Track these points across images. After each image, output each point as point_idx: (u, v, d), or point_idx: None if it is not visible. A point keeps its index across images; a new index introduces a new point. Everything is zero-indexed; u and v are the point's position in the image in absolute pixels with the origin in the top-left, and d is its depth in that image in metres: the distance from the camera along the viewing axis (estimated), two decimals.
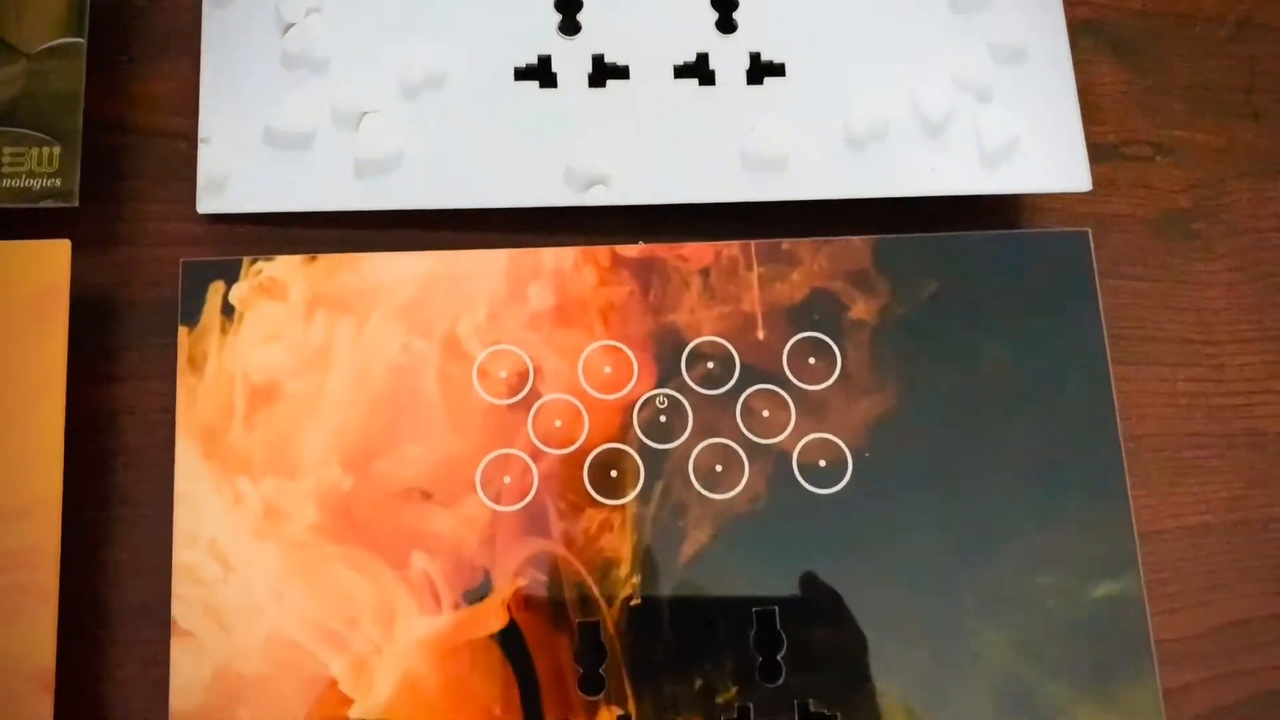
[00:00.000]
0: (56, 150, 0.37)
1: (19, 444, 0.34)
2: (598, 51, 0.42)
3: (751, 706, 0.36)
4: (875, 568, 0.38)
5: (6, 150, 0.36)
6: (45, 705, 0.33)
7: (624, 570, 0.37)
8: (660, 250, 0.40)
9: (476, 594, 0.36)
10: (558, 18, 0.42)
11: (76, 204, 0.37)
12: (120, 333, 0.38)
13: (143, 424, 0.38)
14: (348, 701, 0.35)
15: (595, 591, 0.37)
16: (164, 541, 0.36)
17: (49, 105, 0.37)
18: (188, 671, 0.35)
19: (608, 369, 0.39)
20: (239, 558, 0.36)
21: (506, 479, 0.38)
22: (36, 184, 0.36)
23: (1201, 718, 0.41)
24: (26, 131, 0.37)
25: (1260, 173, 0.46)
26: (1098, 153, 0.45)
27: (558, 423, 0.38)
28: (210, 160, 0.39)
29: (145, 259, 0.39)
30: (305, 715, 0.35)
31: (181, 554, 0.36)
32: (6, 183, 0.36)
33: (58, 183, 0.37)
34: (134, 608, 0.37)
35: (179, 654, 0.35)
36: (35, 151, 0.37)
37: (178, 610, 0.35)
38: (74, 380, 0.36)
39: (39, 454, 0.34)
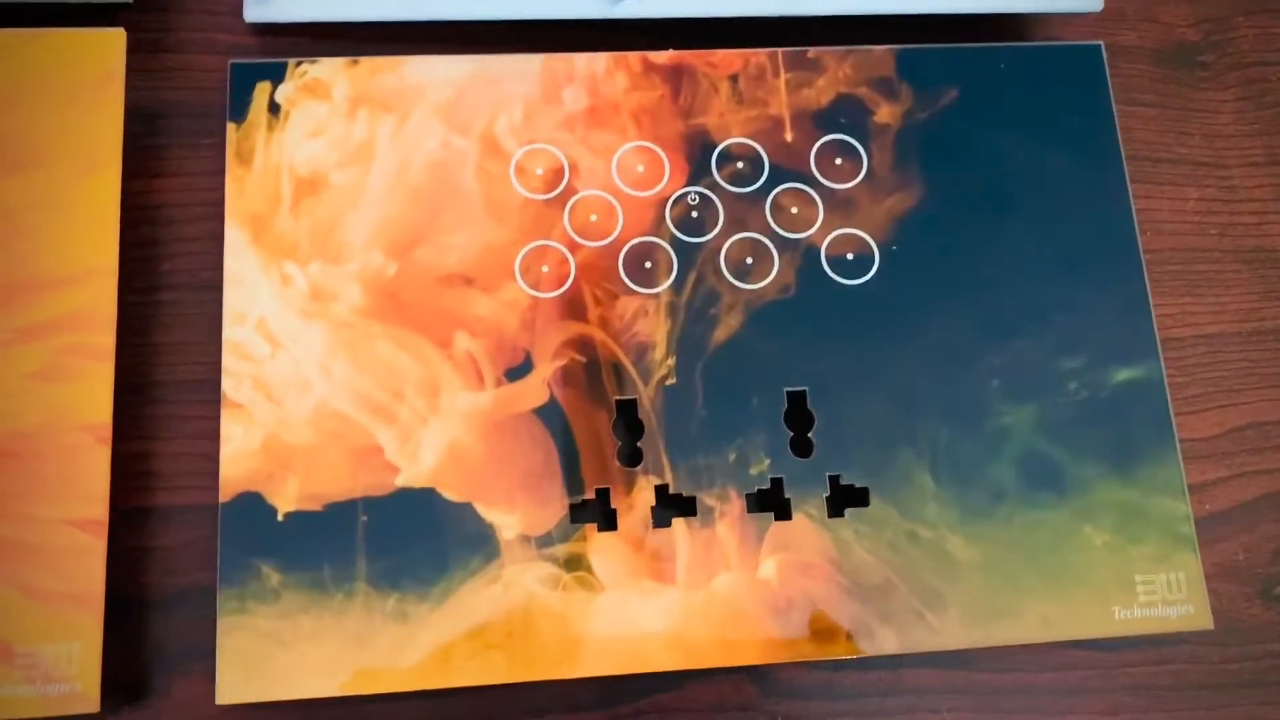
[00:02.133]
0: None
1: (78, 216, 0.36)
2: None
3: (784, 478, 0.37)
4: (903, 351, 0.39)
5: None
6: (102, 456, 0.34)
7: (659, 353, 0.38)
8: (690, 57, 0.41)
9: (518, 372, 0.38)
10: None
11: (130, 1, 0.38)
12: (170, 133, 0.40)
13: (192, 216, 0.39)
14: (394, 469, 0.36)
15: (632, 372, 0.38)
16: (213, 325, 0.37)
17: None
18: (237, 440, 0.36)
19: (640, 168, 0.40)
20: (287, 335, 0.37)
21: (545, 268, 0.39)
22: None
23: (1223, 513, 0.42)
24: None
25: (1266, 10, 0.48)
26: None
27: (593, 217, 0.39)
28: None
29: (194, 65, 0.40)
30: (353, 481, 0.36)
31: (231, 331, 0.37)
32: None
33: None
34: (185, 385, 0.38)
35: (229, 424, 0.36)
36: None
37: (227, 384, 0.36)
38: (126, 176, 0.37)
39: (97, 224, 0.36)
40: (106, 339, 0.35)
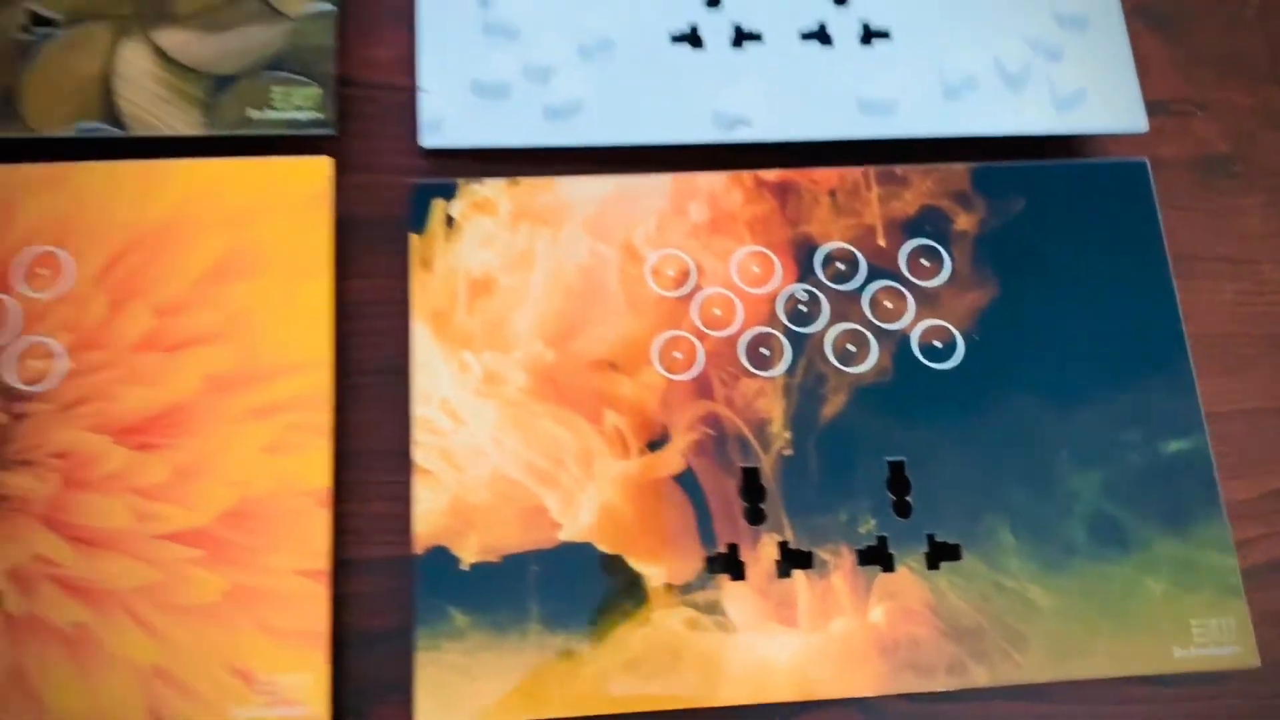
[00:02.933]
0: (316, 90, 0.46)
1: (300, 314, 0.43)
2: (737, 20, 0.51)
3: (888, 536, 0.44)
4: (985, 426, 0.45)
5: (275, 89, 0.46)
6: (324, 518, 0.41)
7: (777, 427, 0.45)
8: (794, 175, 0.48)
9: (658, 443, 0.44)
10: None
11: (335, 133, 0.45)
12: (363, 241, 0.47)
13: (383, 312, 0.46)
14: (557, 526, 0.43)
15: (754, 443, 0.45)
16: (403, 404, 0.44)
17: (308, 56, 0.46)
18: (427, 502, 0.43)
19: (755, 269, 0.47)
20: (466, 412, 0.44)
21: (677, 354, 0.46)
22: (302, 116, 0.45)
23: (1263, 566, 0.48)
24: (291, 76, 0.46)
25: None
26: (1148, 109, 0.53)
27: (717, 311, 0.46)
28: (430, 105, 0.48)
29: (378, 185, 0.48)
30: (523, 536, 0.43)
31: (419, 409, 0.44)
32: (275, 115, 0.45)
33: (319, 115, 0.46)
34: (381, 455, 0.44)
35: (420, 488, 0.43)
36: (299, 91, 0.46)
37: (417, 453, 0.43)
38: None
39: (315, 319, 0.43)
40: (325, 417, 0.42)
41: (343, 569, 0.43)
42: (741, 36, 0.51)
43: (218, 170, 0.44)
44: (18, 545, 0.39)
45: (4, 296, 0.42)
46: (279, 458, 0.41)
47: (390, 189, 0.48)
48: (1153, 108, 0.53)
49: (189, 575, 0.39)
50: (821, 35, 0.51)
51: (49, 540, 0.39)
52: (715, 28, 0.51)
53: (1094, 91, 0.51)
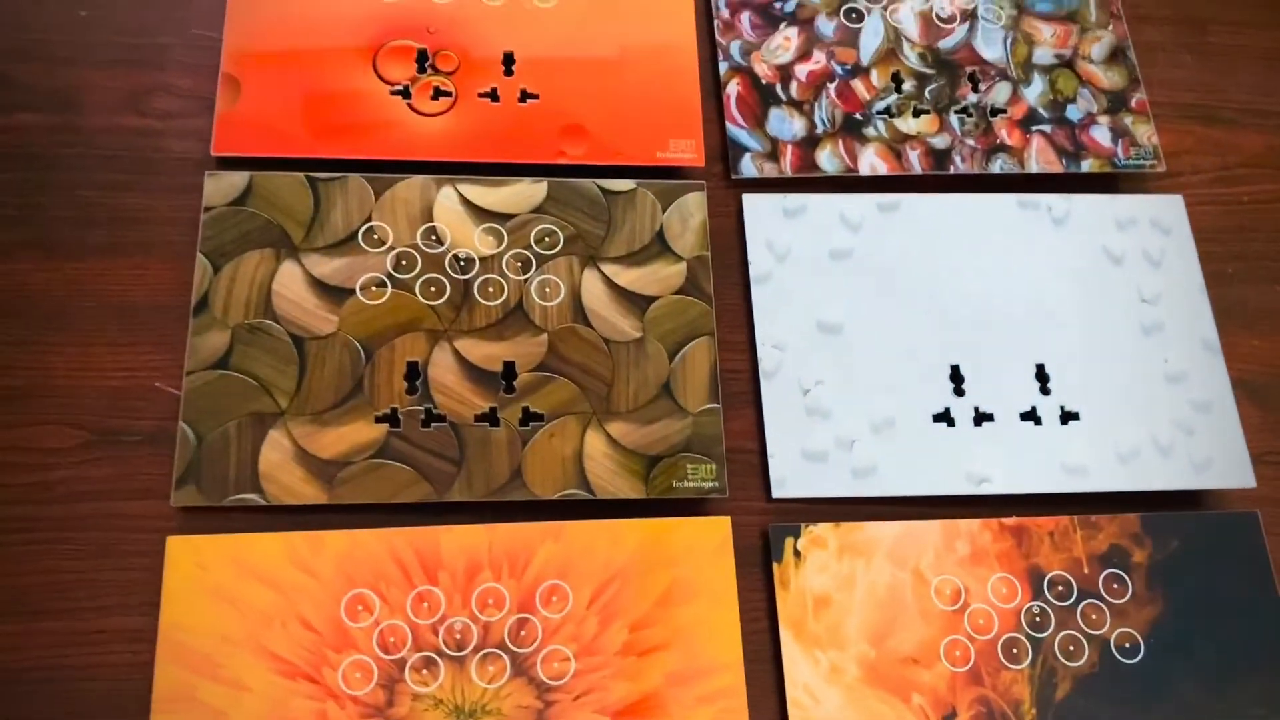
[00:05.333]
0: (713, 466, 0.68)
1: (721, 629, 0.64)
2: (975, 404, 0.74)
3: None
4: (1164, 703, 0.67)
5: (688, 466, 0.68)
6: None
7: (1026, 706, 0.66)
8: (1025, 520, 0.71)
9: (949, 718, 0.66)
10: (952, 386, 0.74)
11: (727, 495, 0.68)
12: (740, 569, 0.68)
13: (756, 618, 0.67)
14: None
15: (1012, 717, 0.66)
16: (780, 687, 0.65)
17: (705, 441, 0.69)
18: None
19: (1004, 590, 0.69)
20: (821, 695, 0.65)
21: (957, 653, 0.67)
22: (705, 485, 0.68)
23: None
24: (696, 455, 0.68)
25: None
26: (1251, 458, 0.76)
27: (980, 621, 0.68)
28: (776, 467, 0.71)
29: (746, 524, 0.69)
30: None
31: (790, 691, 0.65)
32: (688, 484, 0.67)
33: (716, 484, 0.68)
34: None
35: None
36: (702, 467, 0.68)
37: None
38: None
39: (730, 631, 0.64)
40: (743, 703, 0.63)
41: None
42: (980, 417, 0.74)
43: (661, 527, 0.66)
44: None
45: (532, 617, 0.63)
46: None
47: (753, 526, 0.70)
48: (1254, 459, 0.76)
49: None
50: (1034, 416, 0.74)
51: None
52: (962, 411, 0.74)
53: (1218, 458, 0.74)
